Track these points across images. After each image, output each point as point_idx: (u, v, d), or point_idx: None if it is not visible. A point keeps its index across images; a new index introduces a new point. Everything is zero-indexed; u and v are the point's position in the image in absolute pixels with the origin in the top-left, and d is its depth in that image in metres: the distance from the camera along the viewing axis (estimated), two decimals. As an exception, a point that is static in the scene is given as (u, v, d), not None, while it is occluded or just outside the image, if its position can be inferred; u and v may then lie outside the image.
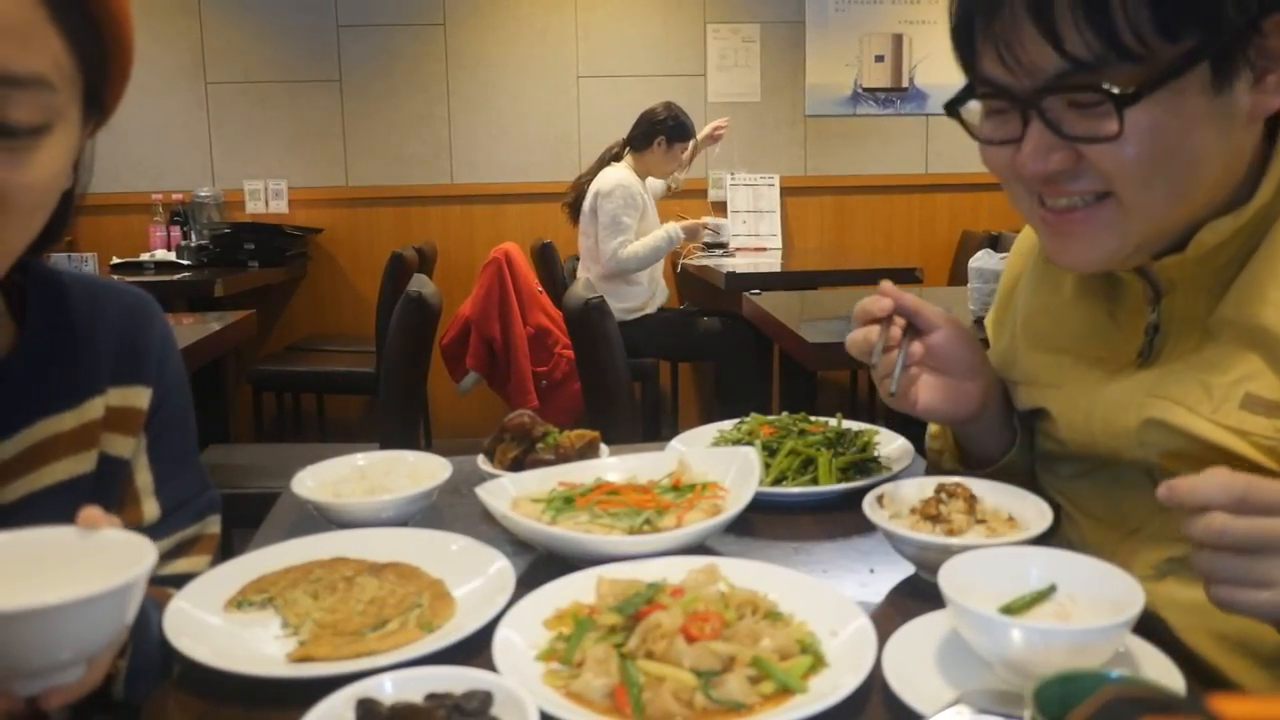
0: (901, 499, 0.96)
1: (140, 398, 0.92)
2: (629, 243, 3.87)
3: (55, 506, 0.75)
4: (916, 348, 0.96)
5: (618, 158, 4.04)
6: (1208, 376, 0.82)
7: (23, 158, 0.68)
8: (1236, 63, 0.75)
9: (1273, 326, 0.78)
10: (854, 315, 0.98)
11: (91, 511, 0.70)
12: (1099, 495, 0.95)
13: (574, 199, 4.05)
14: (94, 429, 0.87)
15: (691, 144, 4.09)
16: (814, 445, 1.16)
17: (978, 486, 0.95)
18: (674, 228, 3.96)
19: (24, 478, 0.83)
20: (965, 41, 0.84)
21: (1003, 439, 1.03)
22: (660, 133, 3.96)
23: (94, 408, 0.87)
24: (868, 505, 0.94)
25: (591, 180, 3.97)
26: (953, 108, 0.87)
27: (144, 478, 0.94)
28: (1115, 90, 0.74)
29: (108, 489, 0.89)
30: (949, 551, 0.80)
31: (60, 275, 0.89)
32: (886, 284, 0.97)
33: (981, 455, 1.04)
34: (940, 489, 0.94)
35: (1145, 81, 0.74)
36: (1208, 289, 0.85)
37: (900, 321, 0.96)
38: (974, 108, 0.87)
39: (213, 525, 1.01)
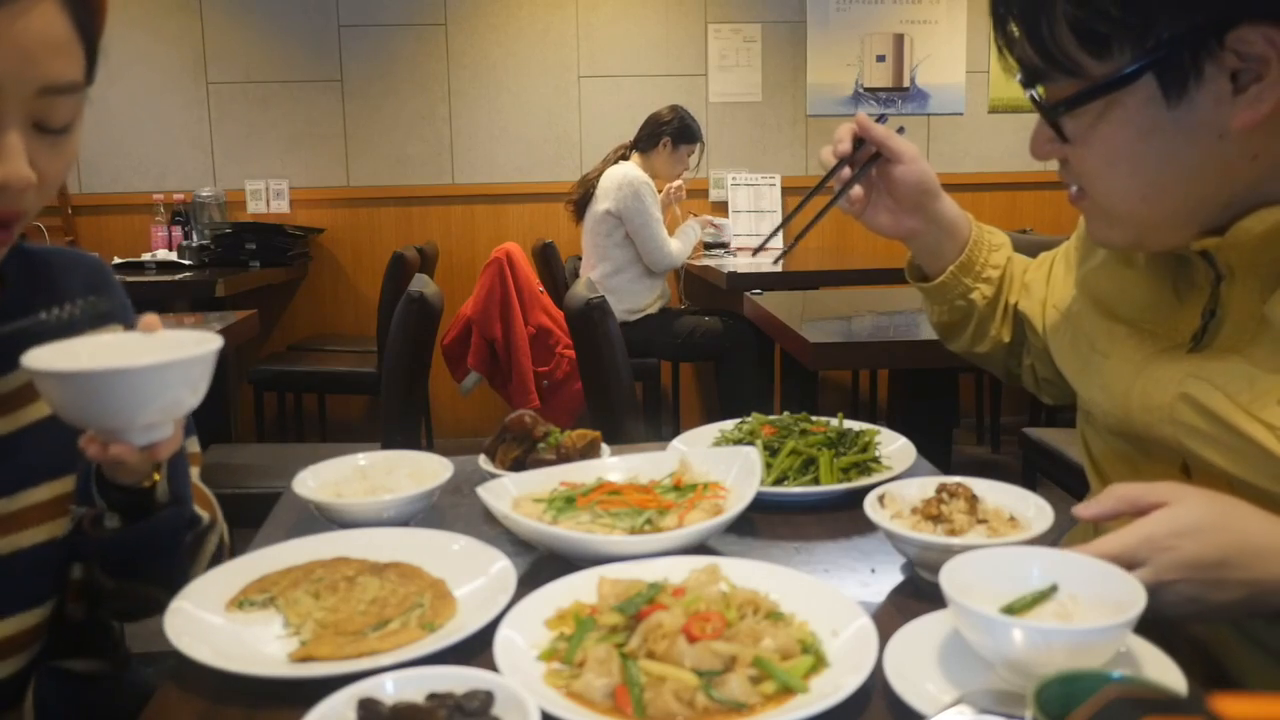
0: (903, 499, 0.96)
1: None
2: (668, 238, 3.89)
3: (48, 435, 0.90)
4: (857, 192, 1.14)
5: (624, 158, 4.04)
6: (1255, 369, 0.82)
7: (60, 149, 0.81)
8: (1188, 76, 0.77)
9: None
10: (834, 139, 1.15)
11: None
12: (1129, 471, 0.96)
13: (579, 197, 4.05)
14: None
15: (698, 147, 4.10)
16: (815, 445, 1.16)
17: (979, 486, 0.95)
18: (695, 224, 3.98)
19: (19, 411, 0.92)
20: None
21: (940, 264, 1.20)
22: (666, 134, 3.96)
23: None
24: (869, 505, 0.94)
25: (598, 178, 3.97)
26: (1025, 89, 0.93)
27: None
28: (1038, 98, 0.85)
29: None
30: (950, 551, 0.80)
31: (20, 244, 0.97)
32: (862, 115, 1.14)
33: (926, 270, 1.23)
34: (942, 489, 0.95)
35: (1076, 94, 0.81)
36: (1265, 279, 0.84)
37: (870, 150, 1.13)
38: None
39: (193, 445, 1.08)
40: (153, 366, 0.75)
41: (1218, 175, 0.81)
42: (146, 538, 0.91)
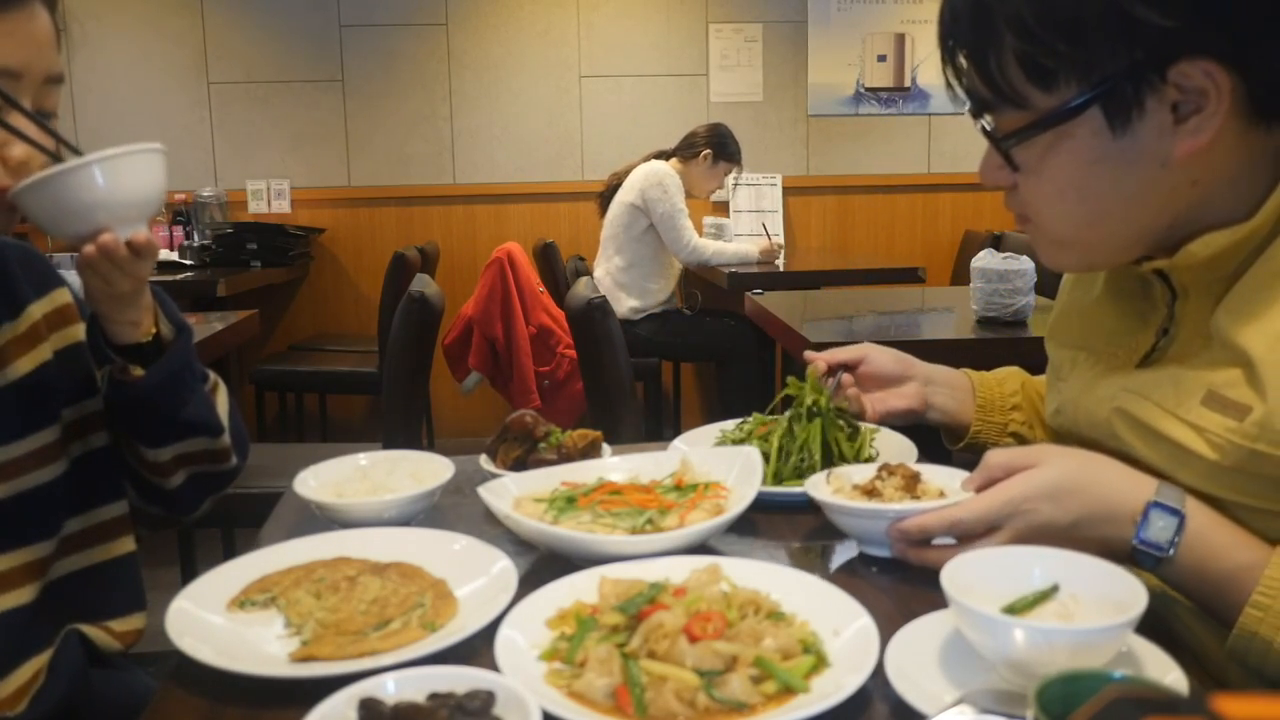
0: (846, 477, 1.01)
1: (62, 295, 1.07)
2: (694, 231, 3.88)
3: (30, 389, 1.00)
4: (846, 378, 1.18)
5: (660, 158, 4.04)
6: (1181, 370, 0.85)
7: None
8: (1131, 108, 0.79)
9: (1244, 343, 0.80)
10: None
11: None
12: None
13: (607, 190, 4.04)
14: (39, 329, 1.03)
15: (736, 171, 4.10)
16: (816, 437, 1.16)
17: (926, 470, 0.99)
18: (752, 252, 3.94)
19: None
20: None
21: (965, 419, 1.21)
22: (707, 147, 3.96)
23: (30, 315, 1.03)
24: (810, 484, 0.99)
25: (628, 174, 3.97)
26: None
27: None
28: (988, 128, 0.87)
29: (75, 368, 1.05)
30: (870, 516, 0.91)
31: None
32: (809, 354, 1.20)
33: (956, 434, 1.23)
34: (882, 468, 0.99)
35: (1025, 126, 0.83)
36: (1217, 296, 0.85)
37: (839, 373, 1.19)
38: None
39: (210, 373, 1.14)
40: (102, 159, 0.87)
41: (1160, 201, 0.84)
42: (173, 369, 1.00)
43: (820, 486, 0.99)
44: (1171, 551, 0.79)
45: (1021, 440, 1.20)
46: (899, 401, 1.18)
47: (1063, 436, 1.02)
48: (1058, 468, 0.82)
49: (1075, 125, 0.81)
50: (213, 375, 1.11)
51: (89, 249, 0.89)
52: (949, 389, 1.21)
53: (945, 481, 0.98)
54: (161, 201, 0.94)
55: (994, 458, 0.86)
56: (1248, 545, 0.79)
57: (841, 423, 1.15)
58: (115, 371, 0.99)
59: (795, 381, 1.18)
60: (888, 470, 0.98)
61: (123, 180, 0.89)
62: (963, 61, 0.86)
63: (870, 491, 0.96)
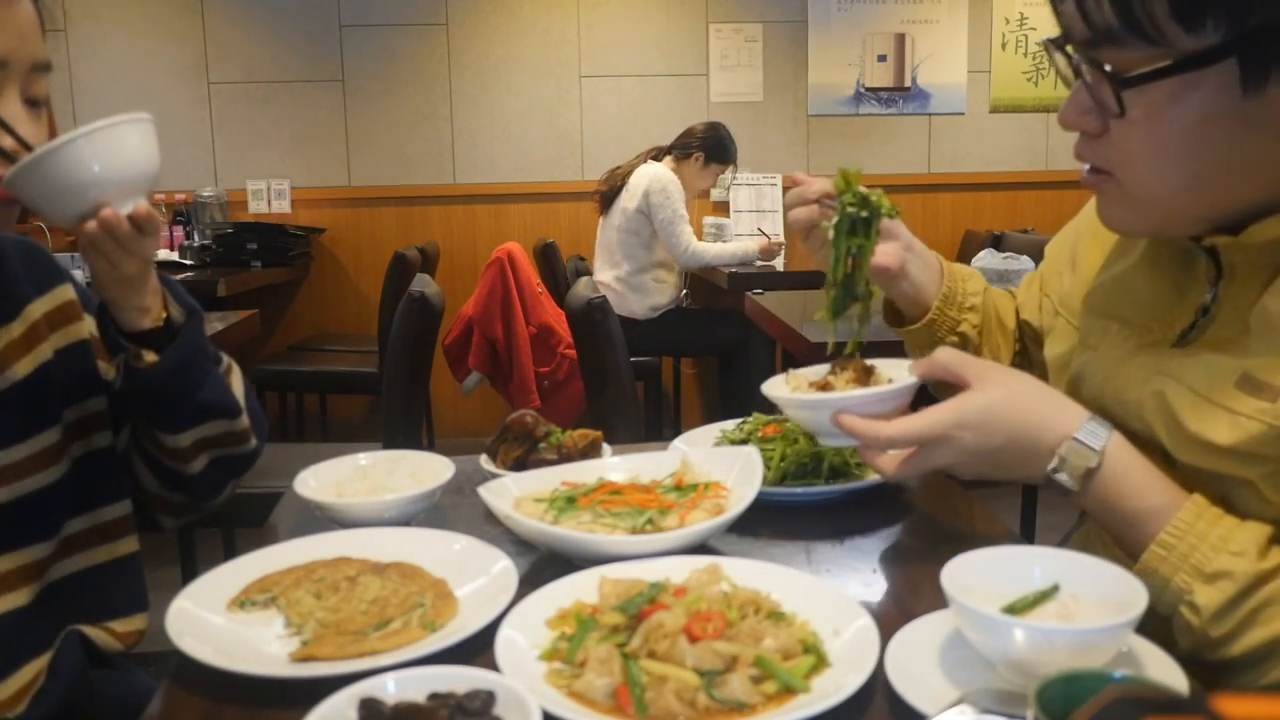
0: (803, 377, 1.04)
1: (64, 293, 1.07)
2: (693, 235, 3.88)
3: (31, 390, 1.00)
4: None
5: (657, 158, 4.04)
6: (1219, 361, 0.81)
7: (42, 122, 0.93)
8: (1270, 66, 0.72)
9: None
10: (788, 201, 1.12)
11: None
12: None
13: (608, 190, 4.04)
14: (39, 328, 1.03)
15: (730, 170, 4.10)
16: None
17: (880, 364, 1.02)
18: (753, 250, 3.96)
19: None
20: None
21: (923, 301, 1.17)
22: (700, 149, 3.97)
23: (30, 315, 1.03)
24: (768, 386, 1.03)
25: (628, 175, 3.97)
26: (1049, 47, 0.86)
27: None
28: (1108, 68, 0.77)
29: (76, 367, 1.05)
30: (814, 407, 0.96)
31: None
32: (801, 175, 1.13)
33: (909, 316, 1.20)
34: (836, 364, 1.02)
35: (1151, 68, 0.75)
36: (1264, 282, 0.82)
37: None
38: None
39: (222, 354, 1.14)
40: (91, 131, 0.86)
41: (1265, 174, 0.78)
42: (187, 352, 1.00)
43: (778, 386, 1.02)
44: (1079, 486, 0.82)
45: (965, 343, 1.18)
46: (880, 258, 1.09)
47: (1086, 406, 0.97)
48: (989, 396, 0.85)
49: (1206, 75, 0.73)
50: (226, 357, 1.11)
51: (91, 225, 0.89)
52: (923, 263, 1.17)
53: (896, 373, 0.99)
54: (156, 173, 0.94)
55: (944, 355, 0.91)
56: (1164, 489, 0.81)
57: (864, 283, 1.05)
58: (130, 359, 0.99)
59: (840, 181, 1.04)
60: (840, 366, 1.01)
61: (114, 152, 0.89)
62: None
63: (824, 386, 0.99)
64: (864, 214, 1.03)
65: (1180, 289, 0.92)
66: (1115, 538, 0.85)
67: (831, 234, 1.03)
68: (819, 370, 1.04)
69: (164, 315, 1.00)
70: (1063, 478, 0.83)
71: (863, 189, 1.03)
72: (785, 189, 4.86)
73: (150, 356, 0.98)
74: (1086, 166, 0.87)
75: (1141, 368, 0.89)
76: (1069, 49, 0.82)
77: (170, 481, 1.10)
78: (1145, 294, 0.95)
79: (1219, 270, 0.87)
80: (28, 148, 0.88)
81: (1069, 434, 0.83)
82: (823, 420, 0.95)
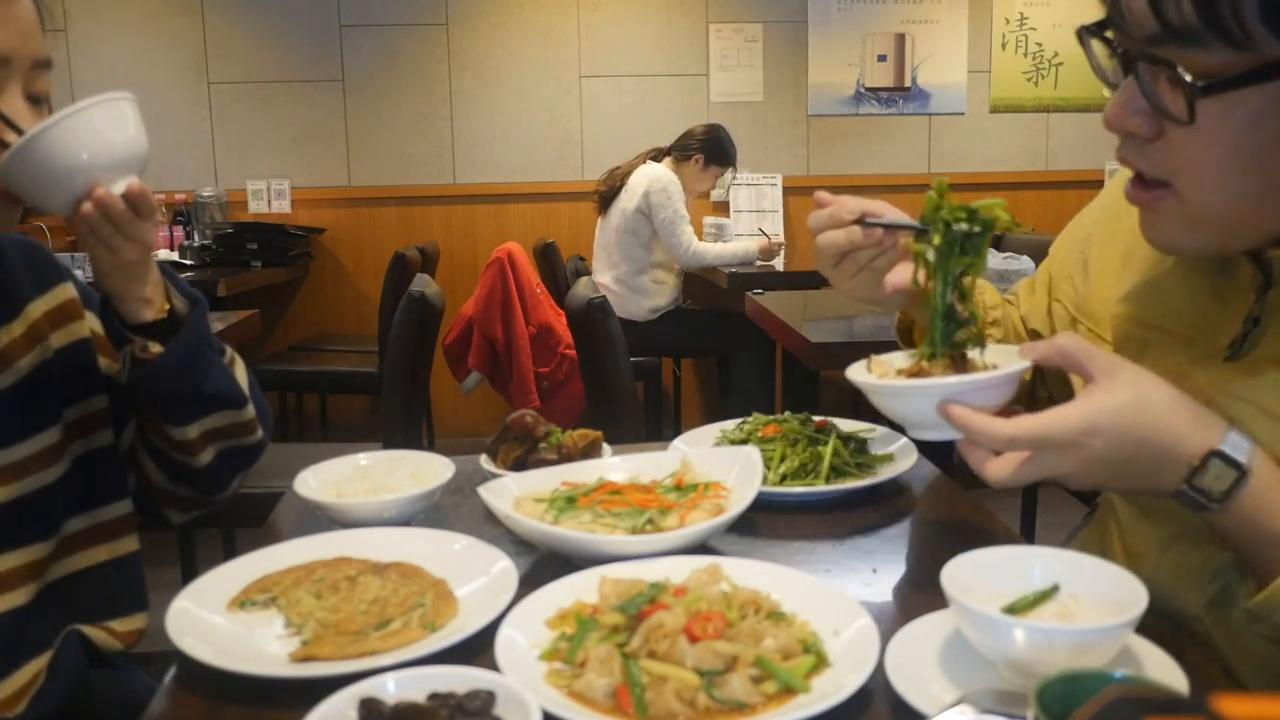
0: (889, 363, 0.93)
1: (65, 291, 1.07)
2: (694, 235, 3.89)
3: (32, 389, 1.00)
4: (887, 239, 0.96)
5: (657, 159, 4.04)
6: None
7: (43, 117, 0.91)
8: None
9: None
10: (816, 224, 0.97)
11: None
12: None
13: (607, 190, 4.04)
14: (40, 327, 1.03)
15: (729, 172, 4.11)
16: (816, 444, 1.16)
17: (976, 353, 0.90)
18: (753, 250, 3.96)
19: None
20: None
21: None
22: (699, 151, 3.98)
23: (31, 314, 1.03)
24: (852, 371, 0.90)
25: (627, 175, 3.97)
26: (1083, 36, 0.78)
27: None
28: (1188, 78, 0.70)
29: (77, 366, 1.05)
30: (920, 393, 0.82)
31: None
32: (825, 195, 0.98)
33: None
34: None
35: (1233, 74, 0.68)
36: None
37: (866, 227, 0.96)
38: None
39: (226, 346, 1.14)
40: (72, 113, 0.87)
41: None
42: (192, 342, 1.00)
43: (861, 372, 0.90)
44: (1220, 503, 0.74)
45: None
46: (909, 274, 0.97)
47: None
48: (1120, 398, 0.75)
49: None
50: (229, 349, 1.12)
51: (86, 206, 0.89)
52: None
53: (998, 357, 0.89)
54: (144, 152, 0.94)
55: (1068, 341, 0.78)
56: None
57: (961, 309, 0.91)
58: (135, 350, 0.99)
59: (934, 196, 0.91)
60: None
61: (99, 129, 0.89)
62: None
63: (916, 372, 0.87)
64: (975, 229, 0.88)
65: (1221, 298, 0.87)
66: (1249, 559, 0.78)
67: (932, 255, 0.89)
68: (904, 356, 0.94)
69: (167, 307, 1.01)
70: (1200, 493, 0.75)
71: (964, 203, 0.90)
72: (786, 189, 4.87)
73: (155, 348, 0.99)
74: (1130, 179, 0.80)
75: (1202, 386, 0.83)
76: (1113, 38, 0.75)
77: (178, 475, 1.10)
78: (1183, 303, 0.90)
79: (1267, 279, 0.82)
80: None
81: (1210, 446, 0.74)
82: (922, 410, 0.83)
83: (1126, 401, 0.75)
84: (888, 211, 0.96)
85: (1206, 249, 0.83)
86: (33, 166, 0.87)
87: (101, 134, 0.89)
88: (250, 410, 1.09)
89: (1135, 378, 0.77)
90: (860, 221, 0.95)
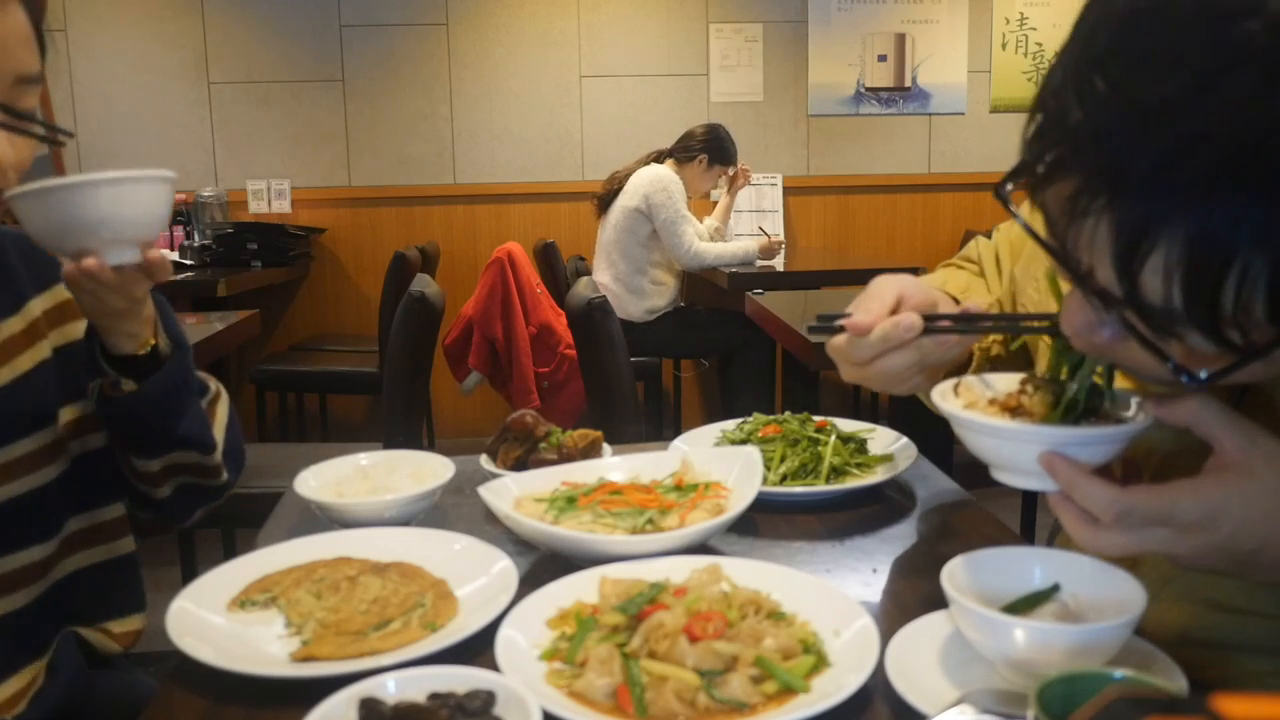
0: (978, 390, 0.80)
1: (64, 290, 1.05)
2: (695, 236, 3.88)
3: (29, 388, 0.99)
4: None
5: (658, 161, 4.04)
6: None
7: (27, 134, 0.89)
8: None
9: None
10: (868, 352, 0.84)
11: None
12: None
13: (606, 192, 4.04)
14: (39, 326, 1.03)
15: (732, 171, 4.12)
16: (816, 445, 1.16)
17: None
18: (753, 249, 3.95)
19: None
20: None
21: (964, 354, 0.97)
22: (703, 152, 3.98)
23: (31, 311, 1.02)
24: (938, 394, 0.79)
25: (628, 177, 3.97)
26: (1001, 190, 0.66)
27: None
28: (1185, 378, 0.62)
29: (75, 366, 1.03)
30: (1020, 438, 0.69)
31: None
32: (860, 319, 0.84)
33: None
34: (1027, 381, 0.77)
35: (1230, 360, 0.61)
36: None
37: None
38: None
39: (212, 382, 1.14)
40: (105, 179, 0.84)
41: None
42: (166, 387, 0.99)
43: (949, 397, 0.78)
44: None
45: (995, 363, 1.00)
46: (936, 374, 0.88)
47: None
48: (1259, 485, 0.65)
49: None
50: (214, 386, 1.10)
51: (69, 267, 0.87)
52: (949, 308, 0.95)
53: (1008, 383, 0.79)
54: (161, 228, 0.90)
55: (1204, 406, 0.66)
56: None
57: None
58: (105, 386, 0.97)
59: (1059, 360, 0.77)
60: (1033, 385, 0.76)
61: (123, 205, 0.85)
62: (1155, 258, 0.57)
63: (1015, 409, 0.75)
64: None
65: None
66: None
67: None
68: (999, 381, 0.80)
69: (152, 343, 0.98)
70: None
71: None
72: (786, 189, 4.86)
73: (128, 386, 0.97)
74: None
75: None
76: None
77: (138, 501, 1.10)
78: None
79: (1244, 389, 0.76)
80: (51, 141, 0.88)
81: None
82: (1020, 456, 0.70)
83: (1266, 489, 0.65)
84: (938, 299, 0.84)
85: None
86: (44, 212, 0.84)
87: (123, 209, 0.85)
88: (217, 456, 1.07)
89: (1273, 455, 0.66)
90: (929, 329, 0.82)
